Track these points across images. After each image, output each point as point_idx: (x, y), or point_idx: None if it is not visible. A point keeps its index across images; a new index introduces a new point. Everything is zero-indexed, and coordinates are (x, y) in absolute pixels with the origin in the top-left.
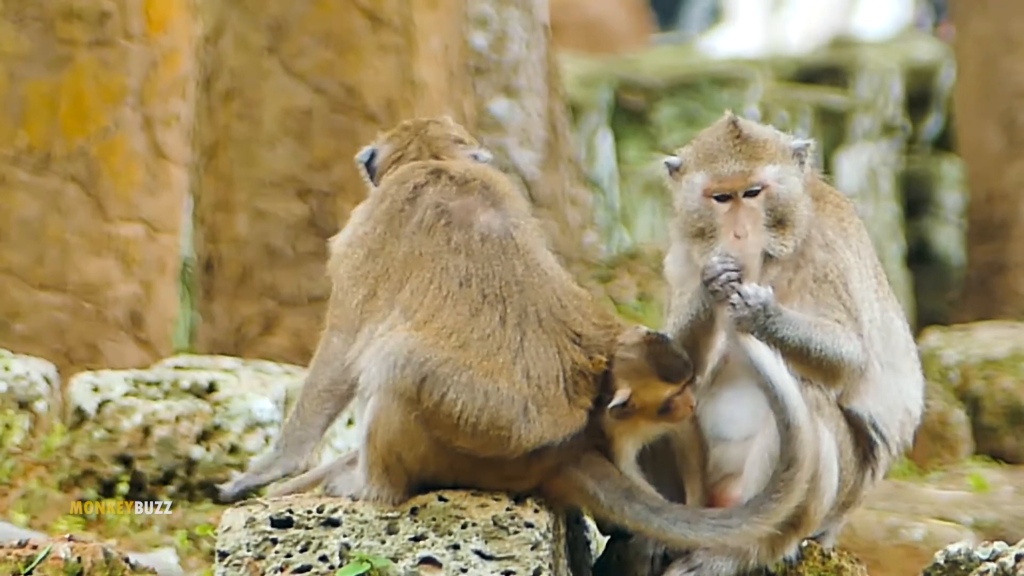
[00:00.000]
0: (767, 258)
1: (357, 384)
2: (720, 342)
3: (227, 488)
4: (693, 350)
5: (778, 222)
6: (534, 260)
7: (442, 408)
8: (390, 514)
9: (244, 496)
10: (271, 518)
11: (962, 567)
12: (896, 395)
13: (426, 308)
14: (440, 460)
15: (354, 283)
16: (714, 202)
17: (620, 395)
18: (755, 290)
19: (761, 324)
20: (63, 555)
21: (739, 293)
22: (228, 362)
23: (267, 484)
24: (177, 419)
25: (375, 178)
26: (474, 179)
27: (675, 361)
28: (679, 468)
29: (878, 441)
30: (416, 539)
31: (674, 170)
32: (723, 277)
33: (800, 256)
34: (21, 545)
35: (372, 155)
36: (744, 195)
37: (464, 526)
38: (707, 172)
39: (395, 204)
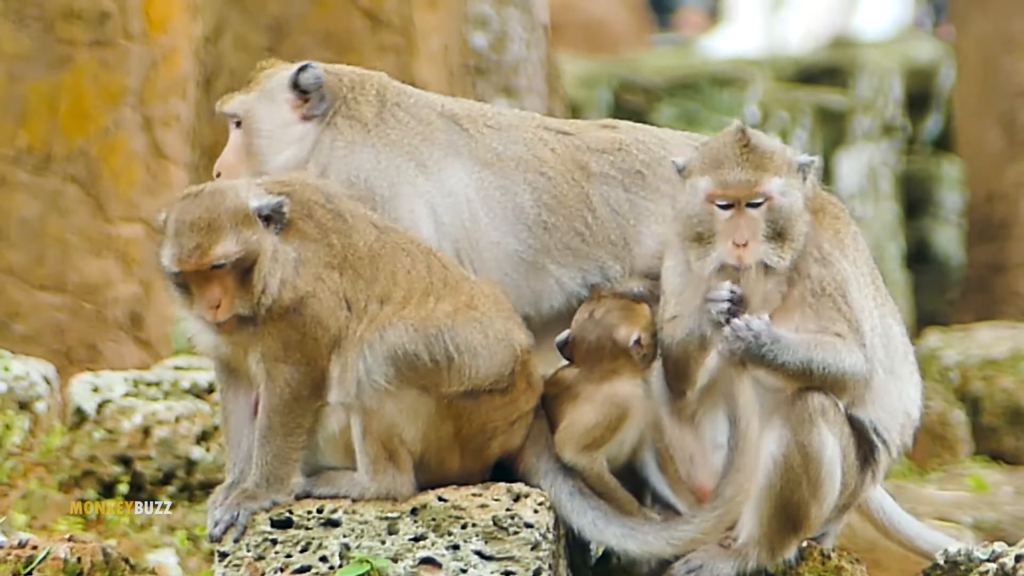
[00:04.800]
0: (765, 269)
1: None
2: (712, 361)
3: (211, 530)
4: (685, 364)
5: (777, 234)
6: None
7: (457, 359)
8: (390, 514)
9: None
10: (271, 519)
11: (962, 567)
12: (896, 400)
13: (402, 286)
14: (443, 429)
15: (335, 306)
16: (716, 208)
17: (632, 334)
18: (747, 322)
19: (757, 354)
20: (63, 555)
21: (731, 327)
22: None
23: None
24: (177, 419)
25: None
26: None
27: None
28: (665, 480)
29: (879, 445)
30: (416, 539)
31: (679, 171)
32: (721, 306)
33: (797, 271)
34: (21, 545)
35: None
36: (747, 205)
37: (464, 526)
38: (712, 178)
39: (326, 212)
